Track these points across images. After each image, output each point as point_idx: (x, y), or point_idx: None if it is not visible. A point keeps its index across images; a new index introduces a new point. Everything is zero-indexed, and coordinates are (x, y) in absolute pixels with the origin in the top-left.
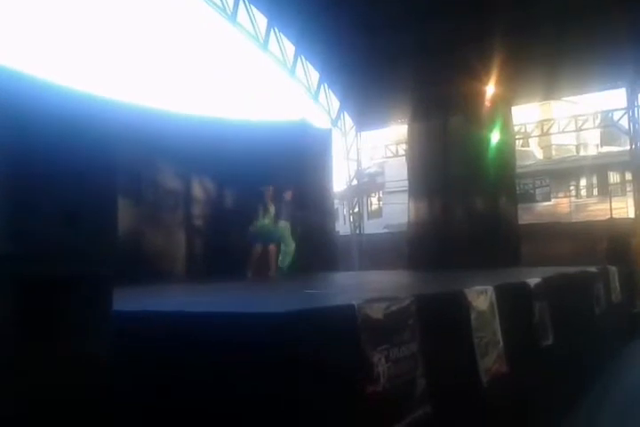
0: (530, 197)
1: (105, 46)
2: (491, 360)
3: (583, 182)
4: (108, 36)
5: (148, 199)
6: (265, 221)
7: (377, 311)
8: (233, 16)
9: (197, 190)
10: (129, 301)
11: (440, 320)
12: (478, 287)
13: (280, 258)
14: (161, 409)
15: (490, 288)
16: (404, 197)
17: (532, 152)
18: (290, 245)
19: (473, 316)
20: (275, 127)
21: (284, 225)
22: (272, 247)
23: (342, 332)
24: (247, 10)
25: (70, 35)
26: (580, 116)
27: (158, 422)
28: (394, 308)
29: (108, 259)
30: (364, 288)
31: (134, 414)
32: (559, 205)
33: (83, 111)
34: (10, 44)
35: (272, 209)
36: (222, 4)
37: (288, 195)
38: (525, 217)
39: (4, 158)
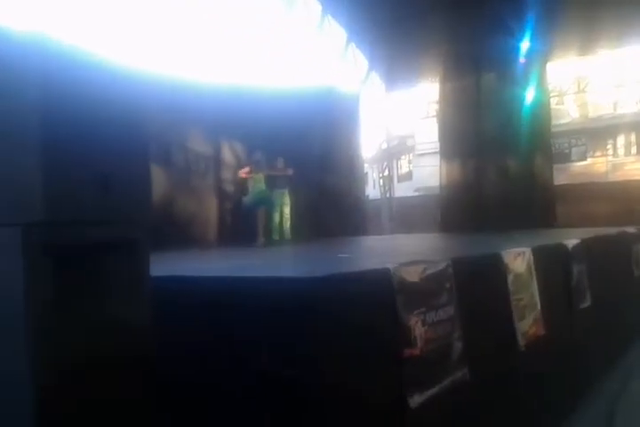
0: (565, 157)
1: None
2: (528, 323)
3: (621, 141)
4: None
5: (178, 165)
6: (260, 185)
7: (413, 275)
8: None
9: (226, 156)
10: (158, 266)
11: (477, 283)
12: (516, 249)
13: (276, 227)
14: (191, 373)
15: (527, 250)
16: (435, 159)
17: (568, 110)
18: (284, 215)
19: (510, 278)
20: (302, 93)
21: (281, 194)
22: (260, 212)
23: (378, 296)
24: None
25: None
26: (617, 71)
27: (190, 384)
28: (430, 271)
29: (144, 224)
30: (397, 252)
31: (169, 379)
32: (595, 165)
33: (116, 78)
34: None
35: (261, 175)
36: None
37: (280, 163)
38: (561, 177)
39: (38, 124)
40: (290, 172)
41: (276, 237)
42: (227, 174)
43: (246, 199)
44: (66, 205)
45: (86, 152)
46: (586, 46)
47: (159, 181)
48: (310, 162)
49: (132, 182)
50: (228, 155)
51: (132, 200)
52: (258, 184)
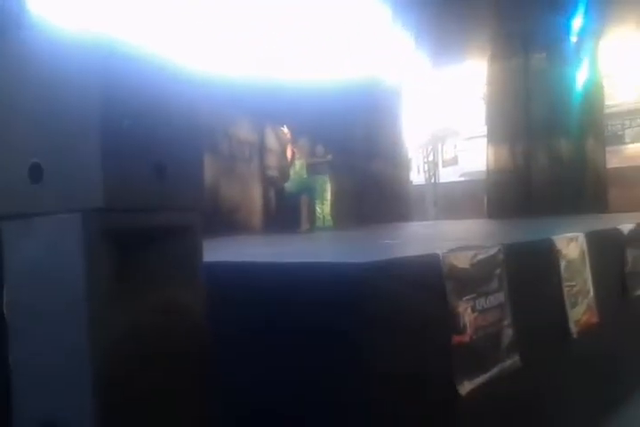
0: (618, 139)
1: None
2: (581, 311)
3: None
4: None
5: (223, 152)
6: (302, 172)
7: (463, 261)
8: None
9: (270, 143)
10: (211, 252)
11: (528, 269)
12: (568, 235)
13: (318, 215)
14: (240, 358)
15: (580, 235)
16: (482, 143)
17: (622, 91)
18: (325, 201)
19: (562, 264)
20: (346, 78)
21: (322, 180)
22: (303, 198)
23: (427, 282)
24: None
25: None
26: None
27: (237, 369)
28: (480, 257)
29: (198, 210)
30: (445, 238)
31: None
32: None
33: (172, 72)
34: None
35: (303, 162)
36: None
37: (320, 150)
38: (614, 160)
39: (98, 114)
40: (329, 157)
41: (320, 223)
42: (271, 161)
43: (288, 186)
44: (124, 193)
45: (143, 141)
46: None
47: (206, 168)
48: (354, 148)
49: (186, 170)
50: (272, 142)
51: (187, 187)
52: (299, 171)
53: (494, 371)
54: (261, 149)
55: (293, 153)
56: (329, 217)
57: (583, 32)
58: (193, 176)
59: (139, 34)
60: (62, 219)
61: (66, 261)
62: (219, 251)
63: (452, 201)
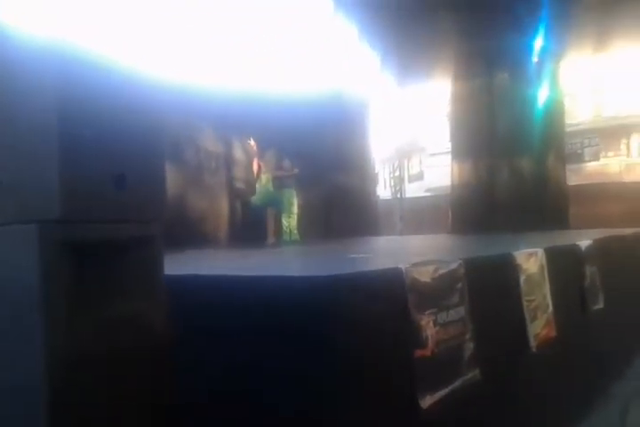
0: (578, 157)
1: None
2: (540, 325)
3: (635, 141)
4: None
5: (190, 162)
6: (268, 186)
7: (425, 275)
8: None
9: (237, 155)
10: (172, 264)
11: (489, 284)
12: (528, 250)
13: (284, 228)
14: (204, 371)
15: (540, 251)
16: (447, 159)
17: (582, 110)
18: (292, 215)
19: (522, 279)
20: (314, 92)
21: (289, 193)
22: (269, 212)
23: (390, 295)
24: None
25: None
26: (633, 70)
27: (202, 383)
28: (442, 271)
29: (159, 222)
30: (408, 252)
31: (183, 377)
32: (609, 165)
33: (132, 80)
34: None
35: (269, 176)
36: None
37: (286, 163)
38: (574, 178)
39: (56, 123)
40: (296, 171)
41: (286, 237)
42: (238, 173)
43: (254, 199)
44: (82, 203)
45: (103, 151)
46: (600, 45)
47: (171, 179)
48: (322, 161)
49: (147, 181)
50: (239, 153)
51: (148, 199)
52: (265, 184)
53: (455, 384)
54: (228, 160)
55: (259, 167)
56: (295, 231)
57: (545, 53)
58: (154, 187)
59: (99, 40)
60: (17, 230)
61: (21, 271)
62: (184, 264)
63: (418, 216)
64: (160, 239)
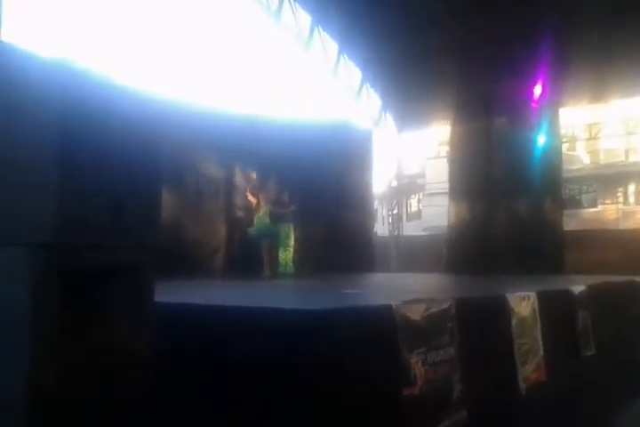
0: (576, 203)
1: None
2: (530, 369)
3: (632, 189)
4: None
5: (188, 190)
6: (265, 218)
7: (415, 313)
8: (277, 14)
9: (237, 183)
10: (165, 292)
11: (480, 325)
12: (521, 293)
13: (281, 261)
14: (194, 396)
15: (532, 294)
16: (445, 200)
17: (579, 156)
18: (288, 249)
19: (514, 322)
20: (317, 126)
21: (286, 228)
22: (265, 244)
23: (380, 332)
24: (292, 8)
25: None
26: (629, 119)
27: (193, 406)
28: (433, 310)
29: (152, 249)
30: (401, 290)
31: (171, 400)
32: (606, 212)
33: (133, 103)
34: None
35: (266, 209)
36: (266, 1)
37: (285, 197)
38: (571, 223)
39: (55, 146)
40: (293, 208)
41: (282, 269)
42: (238, 201)
43: (251, 231)
44: (76, 228)
45: (100, 176)
46: (598, 93)
47: (169, 204)
48: (322, 196)
49: (142, 208)
50: (240, 182)
51: (142, 226)
52: (262, 217)
53: (443, 425)
54: (228, 187)
55: (258, 200)
56: (291, 264)
57: (543, 99)
58: (149, 215)
59: (102, 63)
60: (9, 251)
61: (10, 295)
62: (176, 292)
63: (414, 254)
64: (152, 265)
